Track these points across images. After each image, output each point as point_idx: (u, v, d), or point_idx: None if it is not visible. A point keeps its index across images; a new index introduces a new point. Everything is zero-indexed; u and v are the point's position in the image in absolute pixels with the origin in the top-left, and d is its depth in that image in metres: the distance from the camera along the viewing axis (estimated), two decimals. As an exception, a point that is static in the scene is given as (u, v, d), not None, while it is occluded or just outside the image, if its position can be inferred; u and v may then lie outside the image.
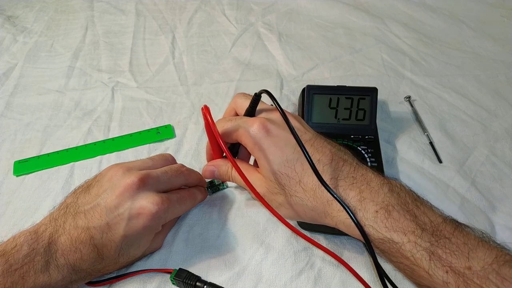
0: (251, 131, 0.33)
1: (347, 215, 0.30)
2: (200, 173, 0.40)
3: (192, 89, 0.55)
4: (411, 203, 0.30)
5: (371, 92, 0.45)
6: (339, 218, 0.31)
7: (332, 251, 0.36)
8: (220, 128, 0.36)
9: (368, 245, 0.30)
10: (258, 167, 0.35)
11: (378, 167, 0.42)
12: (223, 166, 0.38)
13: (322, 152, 0.33)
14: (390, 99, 0.54)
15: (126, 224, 0.32)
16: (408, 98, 0.53)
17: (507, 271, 0.25)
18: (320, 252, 0.37)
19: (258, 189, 0.34)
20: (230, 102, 0.39)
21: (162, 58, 0.60)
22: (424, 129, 0.49)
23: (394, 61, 0.60)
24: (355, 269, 0.34)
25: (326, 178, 0.31)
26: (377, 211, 0.29)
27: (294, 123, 0.34)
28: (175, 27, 0.66)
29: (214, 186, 0.43)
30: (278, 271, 0.36)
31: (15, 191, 0.43)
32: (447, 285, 0.26)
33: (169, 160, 0.39)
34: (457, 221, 0.29)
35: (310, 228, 0.39)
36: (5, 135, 0.49)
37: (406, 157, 0.46)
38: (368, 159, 0.43)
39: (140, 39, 0.64)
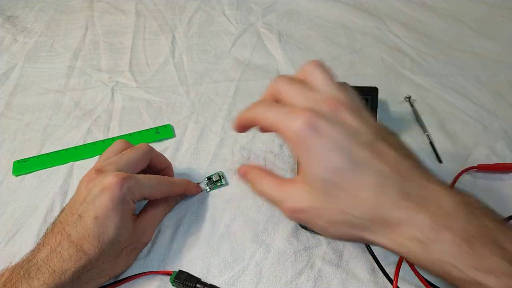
0: (294, 127, 0.26)
1: (419, 246, 0.24)
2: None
3: (192, 89, 0.55)
4: (494, 227, 0.24)
5: (372, 92, 0.45)
6: (407, 247, 0.25)
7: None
8: (259, 114, 0.29)
9: None
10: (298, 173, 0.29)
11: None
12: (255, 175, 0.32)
13: (383, 160, 0.25)
14: (390, 99, 0.54)
15: (94, 206, 0.32)
16: (408, 98, 0.53)
17: None
18: (320, 252, 0.37)
19: (300, 204, 0.27)
20: (269, 87, 0.31)
21: (162, 58, 0.60)
22: (424, 129, 0.49)
23: (394, 61, 0.60)
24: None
25: (387, 197, 0.25)
26: (457, 244, 0.23)
27: (347, 118, 0.26)
28: (175, 27, 0.66)
29: (213, 183, 0.43)
30: (278, 271, 0.36)
31: (15, 191, 0.43)
32: None
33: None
34: None
35: (310, 228, 0.39)
36: (5, 135, 0.49)
37: (406, 157, 0.46)
38: (368, 159, 0.43)
39: (140, 39, 0.64)
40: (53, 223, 0.34)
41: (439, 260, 0.23)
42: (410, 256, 0.25)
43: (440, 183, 0.26)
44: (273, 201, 0.30)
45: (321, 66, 0.29)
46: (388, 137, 0.27)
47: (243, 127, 0.32)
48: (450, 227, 0.23)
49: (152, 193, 0.36)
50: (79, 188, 0.35)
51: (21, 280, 0.29)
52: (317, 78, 0.29)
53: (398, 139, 0.28)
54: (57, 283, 0.30)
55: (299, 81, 0.29)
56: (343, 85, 0.29)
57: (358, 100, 0.29)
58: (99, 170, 0.34)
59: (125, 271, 0.36)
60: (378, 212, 0.25)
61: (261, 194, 0.31)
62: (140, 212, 0.38)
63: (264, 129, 0.31)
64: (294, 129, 0.26)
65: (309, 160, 0.26)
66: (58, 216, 0.34)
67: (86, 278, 0.32)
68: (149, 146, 0.39)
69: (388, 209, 0.25)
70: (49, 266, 0.30)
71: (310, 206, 0.27)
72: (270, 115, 0.28)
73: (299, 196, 0.28)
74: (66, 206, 0.35)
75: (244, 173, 0.32)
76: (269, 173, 0.31)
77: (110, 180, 0.33)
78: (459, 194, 0.25)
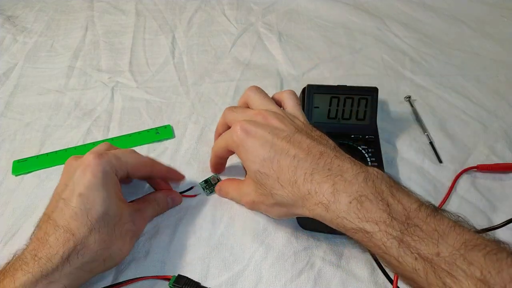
0: (233, 136, 0.35)
1: (323, 209, 0.30)
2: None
3: (192, 89, 0.55)
4: (386, 191, 0.29)
5: (372, 92, 0.45)
6: (316, 211, 0.31)
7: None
8: (216, 149, 0.39)
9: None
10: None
11: (378, 167, 0.42)
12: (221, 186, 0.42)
13: (298, 147, 0.33)
14: (390, 99, 0.54)
15: (77, 185, 0.32)
16: (408, 98, 0.53)
17: (474, 255, 0.25)
18: (320, 252, 0.37)
19: (249, 197, 0.36)
20: (221, 117, 0.40)
21: (162, 58, 0.60)
22: (424, 129, 0.49)
23: (394, 61, 0.60)
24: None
25: (300, 172, 0.31)
26: (350, 202, 0.29)
27: (273, 122, 0.35)
28: (175, 27, 0.66)
29: (211, 186, 0.43)
30: (278, 271, 0.36)
31: (14, 190, 0.43)
32: (416, 272, 0.26)
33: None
34: (434, 207, 0.29)
35: (310, 227, 0.39)
36: (4, 135, 0.49)
37: (406, 157, 0.46)
38: (368, 159, 0.43)
39: (140, 39, 0.64)
40: (40, 218, 0.33)
41: (337, 216, 0.30)
42: (319, 217, 0.31)
43: (349, 159, 0.32)
44: (236, 201, 0.40)
45: (256, 89, 0.39)
46: (311, 132, 0.35)
47: (218, 167, 0.43)
48: (347, 192, 0.30)
49: (134, 167, 0.36)
50: (61, 177, 0.35)
51: (5, 275, 0.29)
52: (254, 99, 0.39)
53: (321, 133, 0.35)
54: (43, 269, 0.29)
55: (239, 107, 0.39)
56: (271, 100, 0.38)
57: (284, 110, 0.38)
58: (77, 156, 0.35)
59: (122, 259, 0.35)
60: (295, 188, 0.31)
61: (230, 198, 0.41)
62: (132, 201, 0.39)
63: (229, 154, 0.40)
64: (234, 138, 0.35)
65: (246, 158, 0.34)
66: (45, 210, 0.34)
67: (78, 262, 0.30)
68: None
69: (301, 184, 0.31)
70: (36, 256, 0.29)
71: (255, 196, 0.35)
72: (220, 142, 0.38)
73: (248, 191, 0.36)
74: (51, 198, 0.34)
75: (218, 189, 0.42)
76: (233, 180, 0.41)
77: (87, 157, 0.33)
78: (364, 167, 0.32)
